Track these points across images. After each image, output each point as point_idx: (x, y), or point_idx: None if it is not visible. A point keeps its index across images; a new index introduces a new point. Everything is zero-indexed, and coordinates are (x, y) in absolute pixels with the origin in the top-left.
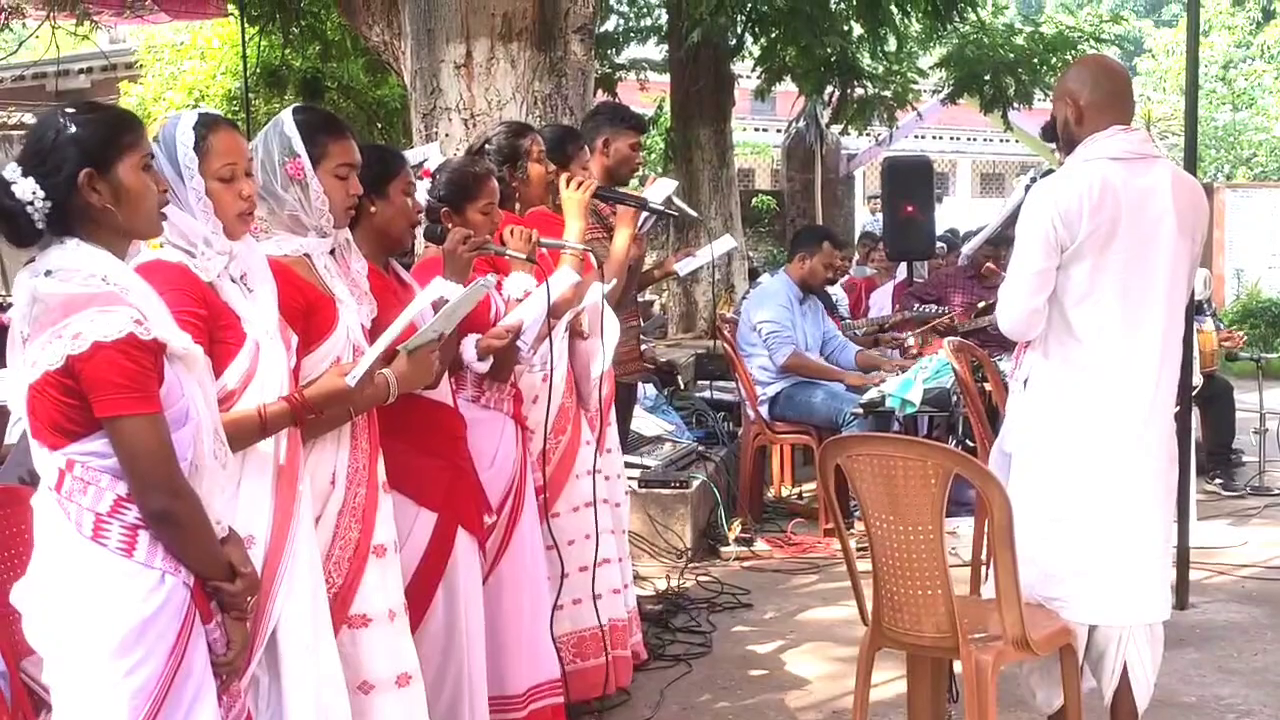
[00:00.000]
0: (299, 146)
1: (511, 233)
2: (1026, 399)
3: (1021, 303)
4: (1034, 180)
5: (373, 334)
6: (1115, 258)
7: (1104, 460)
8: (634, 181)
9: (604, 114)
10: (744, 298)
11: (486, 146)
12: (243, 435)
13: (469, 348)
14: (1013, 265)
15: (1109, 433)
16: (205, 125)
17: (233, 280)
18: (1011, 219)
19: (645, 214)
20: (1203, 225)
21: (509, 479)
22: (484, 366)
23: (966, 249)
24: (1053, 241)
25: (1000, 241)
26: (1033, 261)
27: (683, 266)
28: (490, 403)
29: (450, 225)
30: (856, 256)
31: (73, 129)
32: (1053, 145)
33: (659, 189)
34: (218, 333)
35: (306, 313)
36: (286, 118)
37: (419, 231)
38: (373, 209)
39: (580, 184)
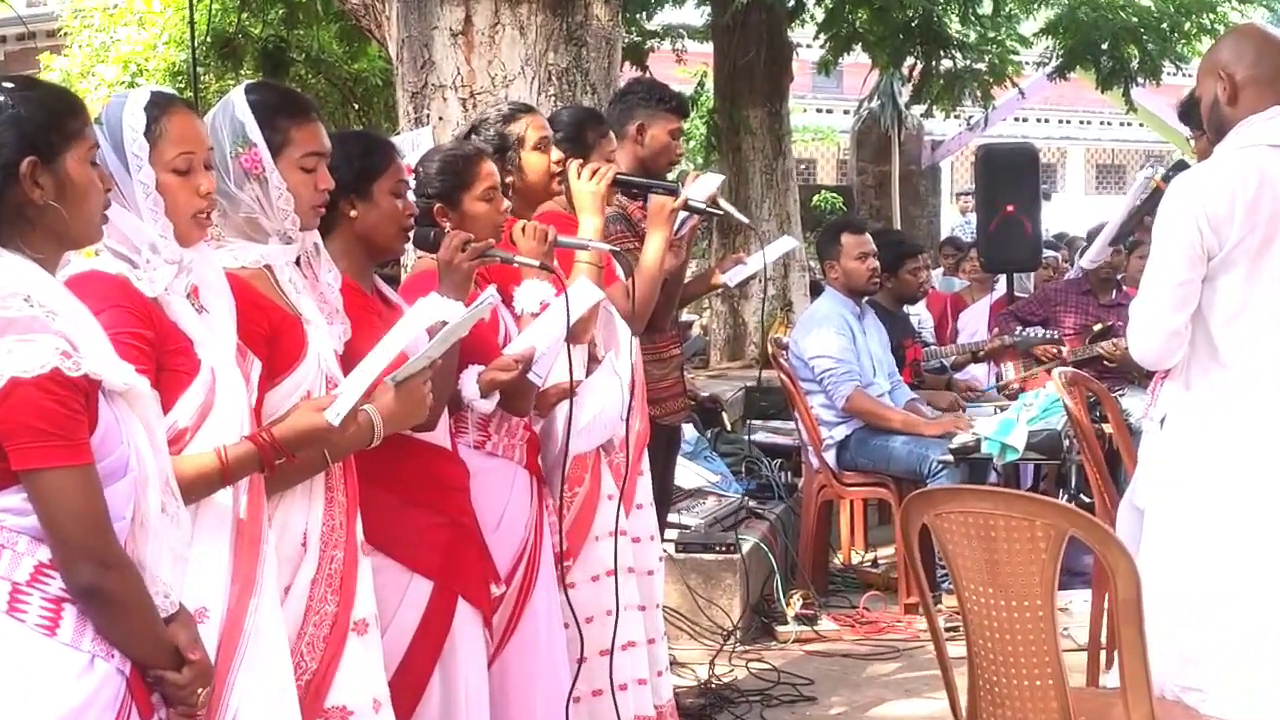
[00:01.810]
0: (255, 133)
1: (523, 231)
2: (1163, 442)
3: (1158, 323)
4: (1165, 176)
5: (345, 362)
6: (1274, 266)
7: (1260, 518)
8: (670, 177)
9: (638, 93)
10: None
11: (473, 135)
12: (199, 484)
13: (469, 382)
14: (1147, 278)
15: (1267, 483)
16: (159, 107)
17: (183, 297)
18: (1135, 216)
19: (684, 213)
20: None
21: (521, 542)
22: (488, 405)
23: (1084, 260)
24: (1198, 248)
25: (1123, 244)
26: (1173, 273)
27: (732, 276)
28: (498, 449)
29: (446, 225)
30: (941, 267)
31: (13, 108)
32: (1188, 132)
33: (702, 186)
34: (166, 359)
35: (270, 337)
36: (238, 98)
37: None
38: (353, 213)
39: (595, 172)
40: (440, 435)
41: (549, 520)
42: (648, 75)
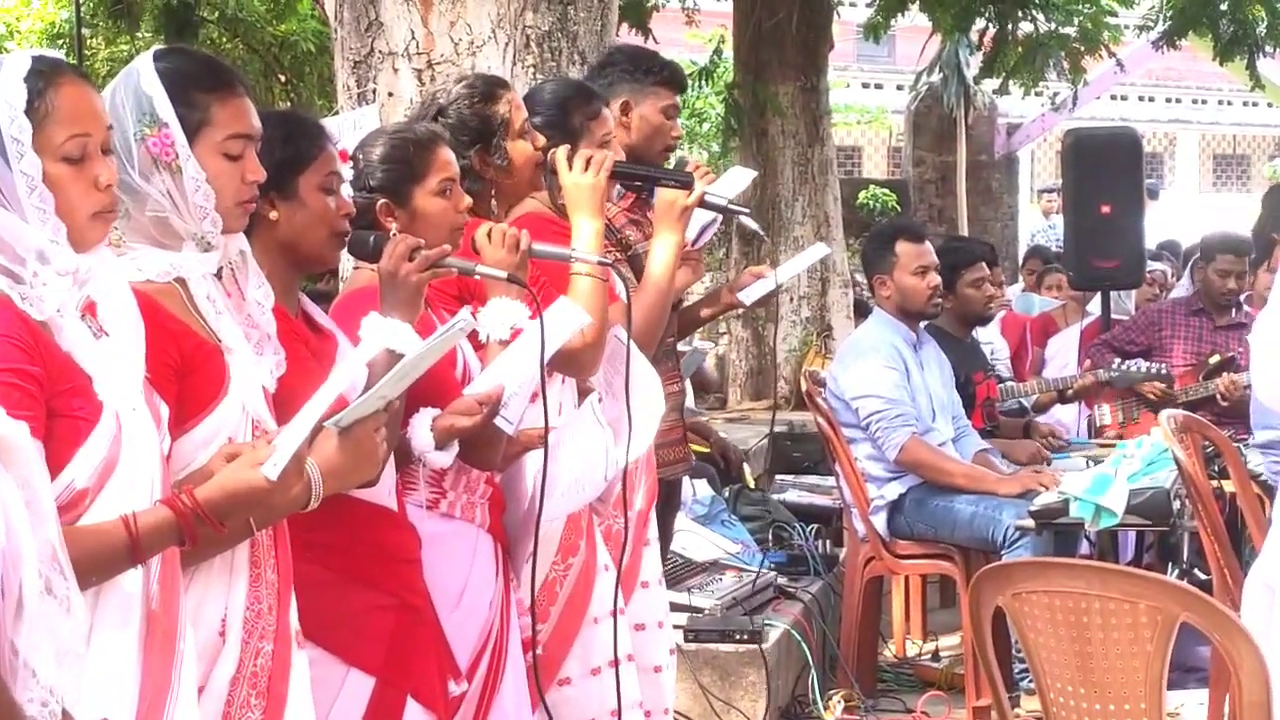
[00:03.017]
0: (165, 110)
1: (489, 237)
2: None
3: None
4: None
5: (279, 404)
6: None
7: None
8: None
9: (619, 65)
10: None
11: (440, 119)
12: (100, 562)
13: (421, 430)
14: (1274, 298)
15: None
16: (43, 77)
17: (77, 317)
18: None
19: (706, 214)
20: None
21: (485, 624)
22: (445, 459)
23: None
24: None
25: (1248, 251)
26: None
27: (749, 294)
28: (455, 510)
29: (392, 227)
30: (1021, 282)
31: None
32: None
33: (728, 182)
34: (59, 402)
35: (181, 370)
36: (144, 67)
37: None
38: (273, 214)
39: (589, 161)
40: (384, 494)
41: (515, 598)
42: (646, 39)
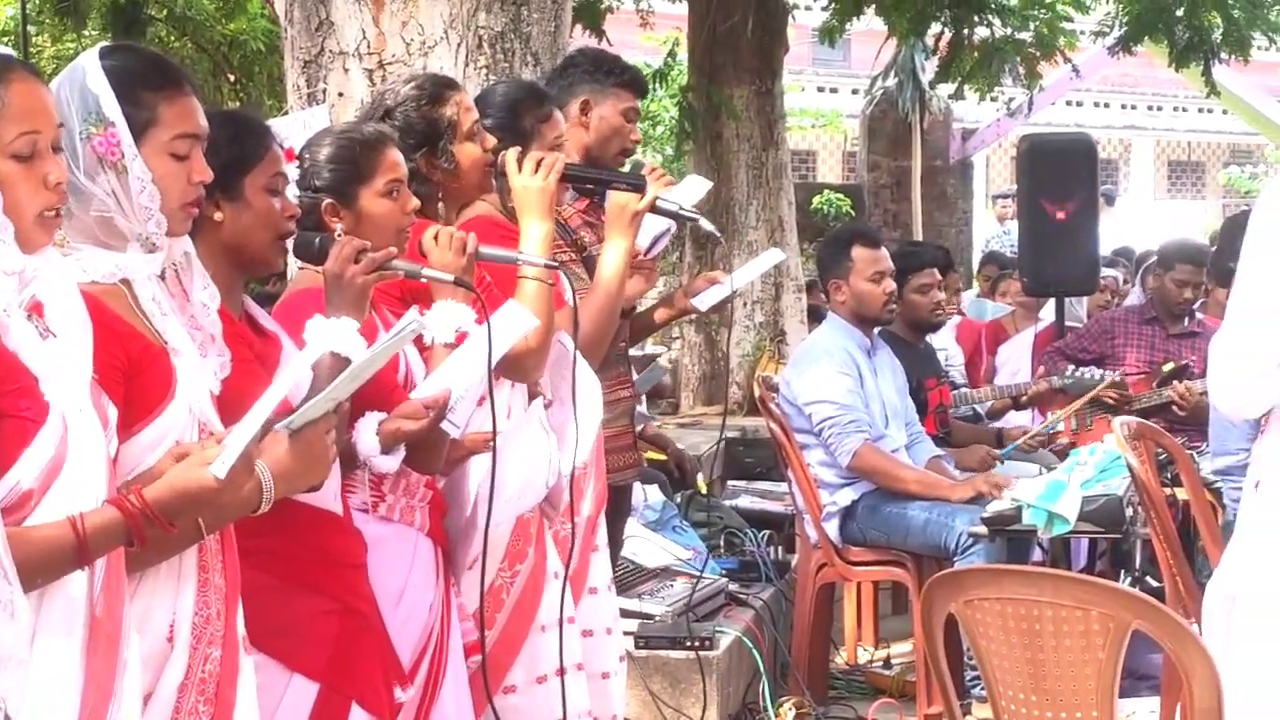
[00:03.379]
0: (112, 109)
1: (436, 239)
2: (1256, 510)
3: (1245, 362)
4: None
5: (223, 406)
6: None
7: None
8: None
9: (582, 65)
10: None
11: (388, 120)
12: (46, 564)
13: (367, 434)
14: (1234, 305)
15: None
16: None
17: (23, 317)
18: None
19: (657, 224)
20: None
21: (425, 629)
22: (391, 463)
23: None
24: None
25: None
26: (1263, 300)
27: (704, 300)
28: (394, 513)
29: (337, 229)
30: (976, 288)
31: None
32: None
33: (686, 190)
34: (4, 401)
35: (129, 373)
36: (90, 64)
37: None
38: (217, 215)
39: (539, 163)
40: (329, 498)
41: (456, 603)
42: (600, 44)
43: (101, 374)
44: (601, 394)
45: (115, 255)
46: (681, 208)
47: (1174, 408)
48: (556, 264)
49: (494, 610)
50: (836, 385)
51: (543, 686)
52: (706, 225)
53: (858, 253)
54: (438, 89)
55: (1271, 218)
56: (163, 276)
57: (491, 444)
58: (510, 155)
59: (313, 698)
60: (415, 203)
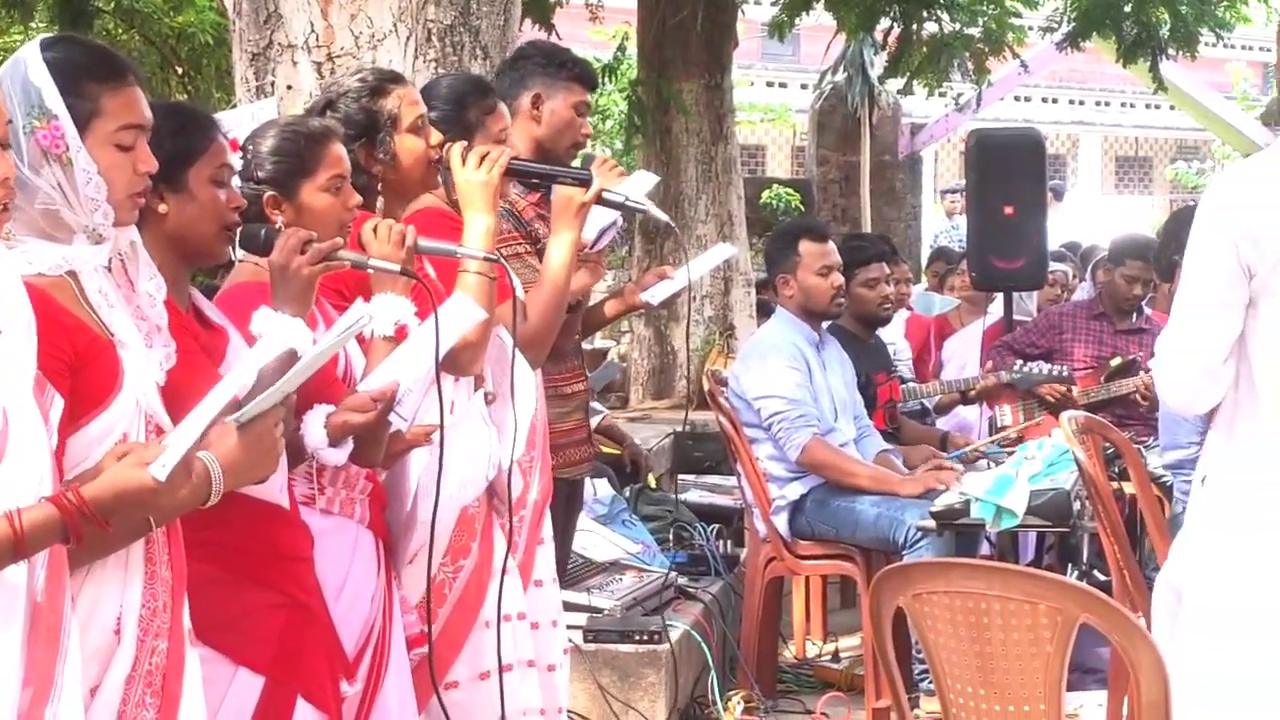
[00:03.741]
0: (55, 101)
1: (375, 232)
2: (1203, 505)
3: (1192, 358)
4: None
5: (167, 398)
6: None
7: None
8: (575, 163)
9: (533, 59)
10: None
11: (329, 112)
12: None
13: (314, 426)
14: (1178, 303)
15: None
16: None
17: None
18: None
19: (603, 216)
20: None
21: (366, 622)
22: (339, 456)
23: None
24: (1235, 264)
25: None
26: (1207, 295)
27: (655, 294)
28: (334, 505)
29: (278, 220)
30: (925, 282)
31: None
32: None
33: (633, 184)
34: None
35: (75, 365)
36: (31, 57)
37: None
38: (162, 207)
39: (484, 158)
40: (275, 491)
41: (399, 595)
42: (550, 35)
43: (48, 367)
44: (541, 387)
45: (61, 247)
46: (628, 199)
47: (1138, 398)
48: (496, 257)
49: (436, 605)
50: (785, 380)
51: (486, 683)
52: (658, 214)
53: (805, 247)
54: (381, 82)
55: (1215, 213)
56: (109, 267)
57: (438, 437)
58: (455, 149)
59: (258, 691)
60: (358, 198)
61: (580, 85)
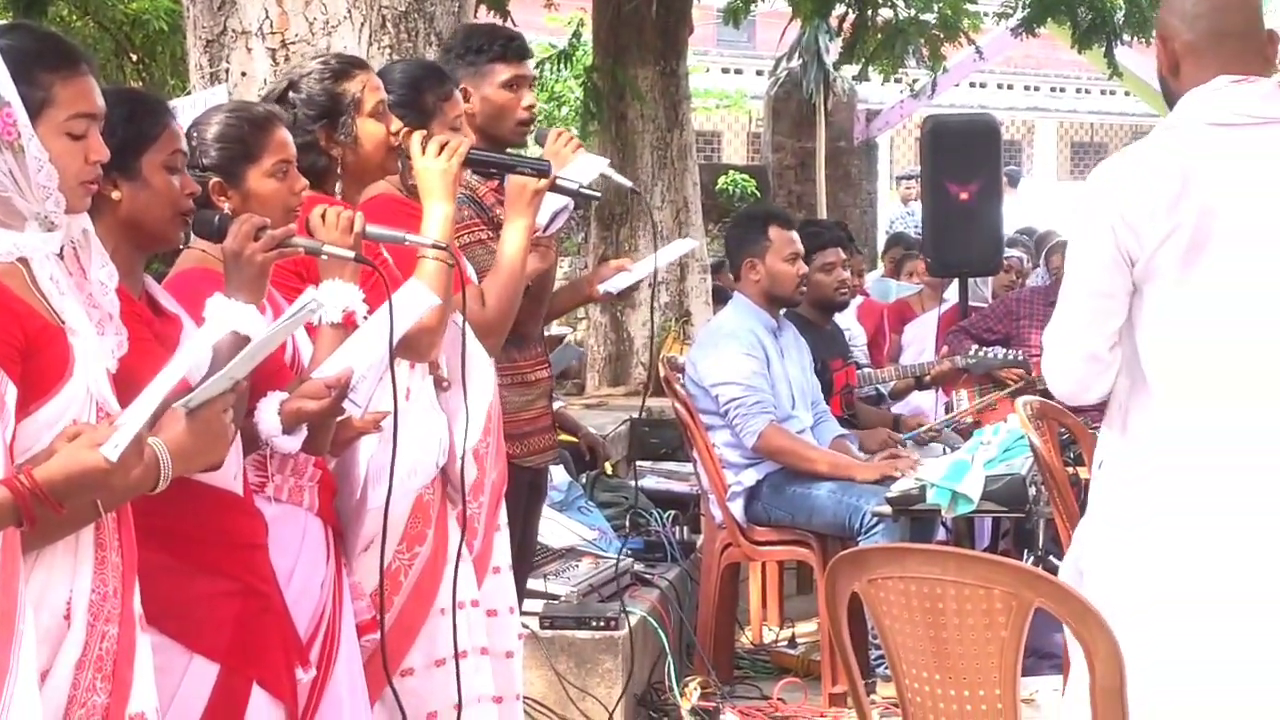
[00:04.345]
0: (7, 89)
1: (323, 218)
2: (1100, 495)
3: (1074, 344)
4: None
5: (116, 384)
6: (1211, 272)
7: (1224, 590)
8: (532, 146)
9: (455, 49)
10: None
11: (290, 93)
12: None
13: (268, 414)
14: (1062, 293)
15: (1232, 547)
16: None
17: None
18: None
19: (555, 201)
20: None
21: (317, 607)
22: (293, 444)
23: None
24: (1115, 252)
25: None
26: (1088, 283)
27: (614, 284)
28: (282, 493)
29: (225, 207)
30: (881, 268)
31: None
32: None
33: (581, 167)
34: None
35: (26, 351)
36: None
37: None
38: (115, 194)
39: (443, 146)
40: (229, 478)
41: (349, 582)
42: (505, 21)
43: None
44: (495, 374)
45: (13, 234)
46: (581, 186)
47: None
48: (444, 245)
49: (391, 593)
50: (742, 367)
51: (441, 669)
52: (621, 180)
53: (775, 233)
54: (345, 66)
55: (1093, 201)
56: (61, 255)
57: (391, 423)
58: (415, 137)
59: (213, 679)
60: (304, 183)
61: (504, 63)
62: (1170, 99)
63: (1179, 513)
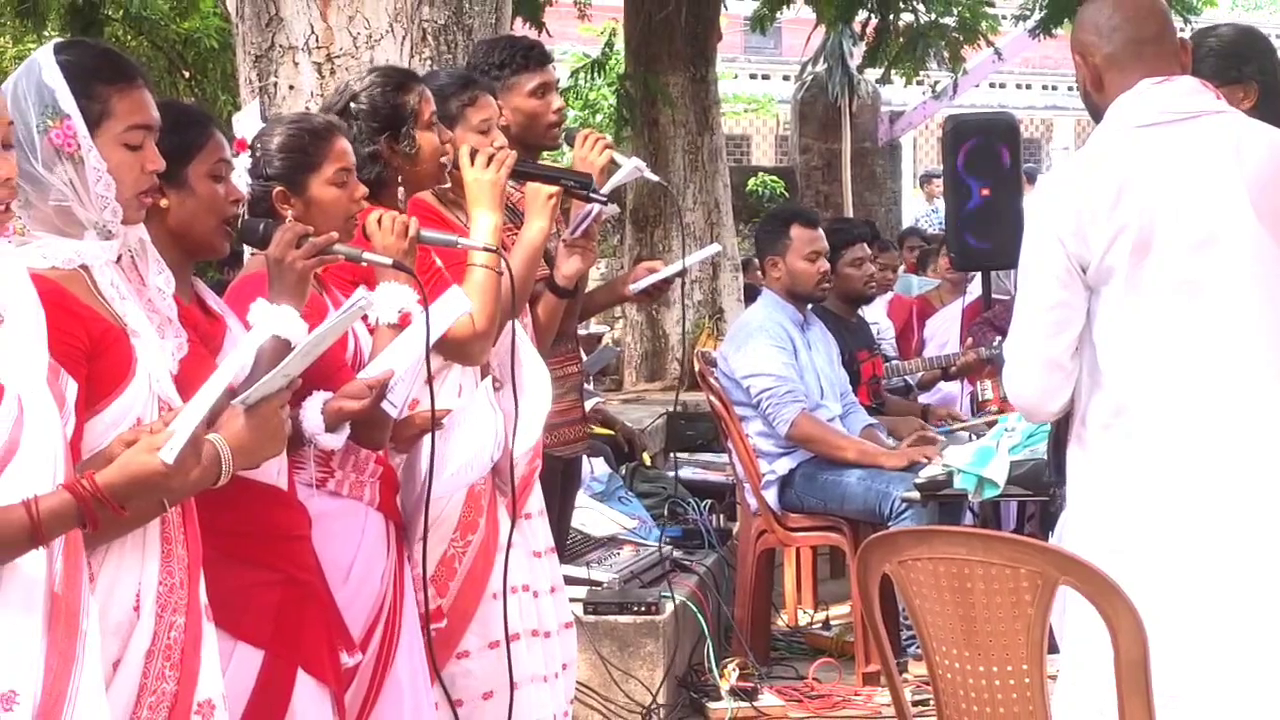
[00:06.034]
0: (67, 102)
1: (379, 224)
2: (1070, 503)
3: (1033, 352)
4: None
5: (178, 386)
6: (1159, 269)
7: (1174, 609)
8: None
9: (479, 65)
10: None
11: (352, 105)
12: (2, 543)
13: (312, 413)
14: (1017, 305)
15: (1202, 554)
16: None
17: None
18: None
19: (587, 204)
20: None
21: (377, 598)
22: (336, 441)
23: None
24: (1065, 261)
25: None
26: (1042, 295)
27: (643, 284)
28: (343, 488)
29: (288, 214)
30: (903, 264)
31: None
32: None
33: (618, 171)
34: None
35: (90, 353)
36: (45, 60)
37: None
38: (163, 202)
39: (491, 158)
40: (273, 474)
41: (411, 573)
42: (540, 35)
43: (63, 355)
44: (550, 383)
45: (74, 242)
46: (595, 193)
47: None
48: (495, 248)
49: (447, 579)
50: (772, 359)
51: (495, 651)
52: (650, 175)
53: (796, 232)
54: (403, 78)
55: (1041, 210)
56: (119, 262)
57: (439, 423)
58: (464, 149)
59: (258, 665)
60: (364, 190)
61: (526, 73)
62: (1097, 112)
63: (1139, 519)
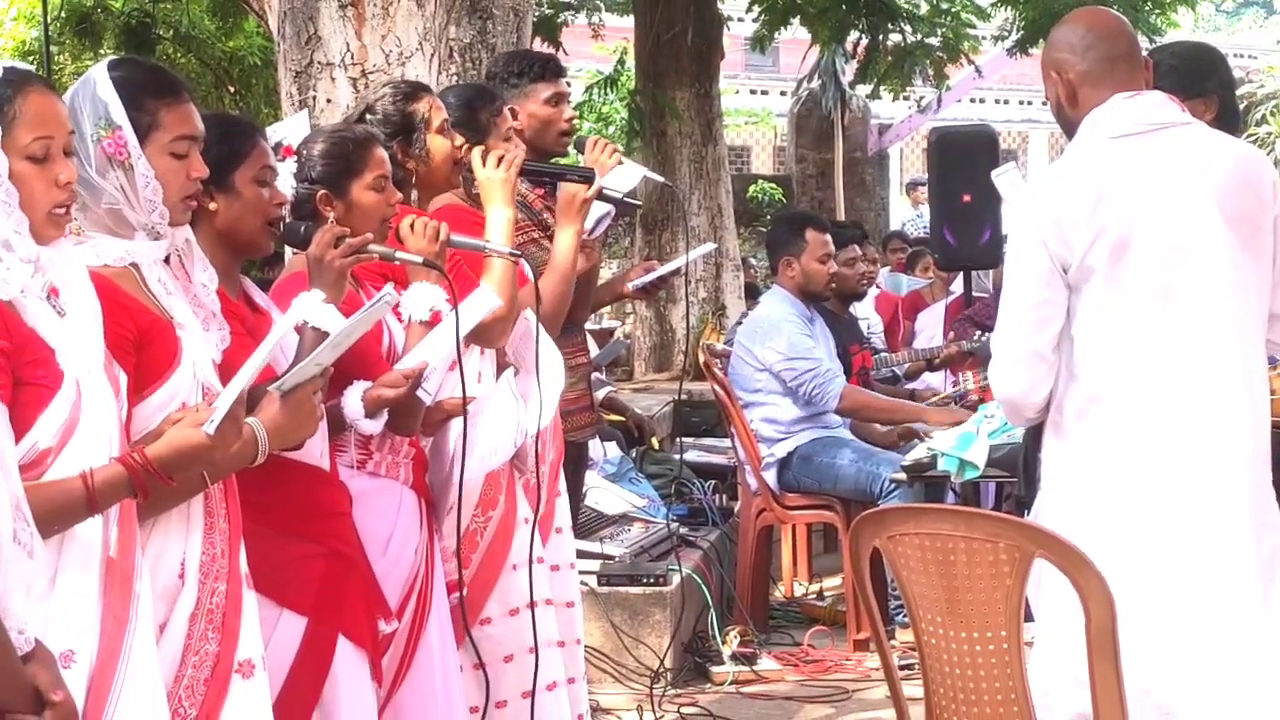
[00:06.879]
0: (119, 114)
1: (412, 227)
2: (1045, 496)
3: (1019, 347)
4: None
5: (223, 373)
6: (1135, 273)
7: (1150, 597)
8: (572, 155)
9: (499, 75)
10: (738, 324)
11: (369, 115)
12: (61, 513)
13: (352, 400)
14: (1002, 305)
15: (1166, 538)
16: (12, 85)
17: (41, 299)
18: None
19: (600, 208)
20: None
21: (411, 570)
22: (374, 426)
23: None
24: (1048, 263)
25: None
26: (1027, 295)
27: (640, 281)
28: (380, 468)
29: (330, 216)
30: (889, 264)
31: None
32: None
33: (622, 175)
34: (24, 371)
35: (139, 344)
36: (100, 75)
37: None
38: (212, 205)
39: (501, 159)
40: (316, 455)
41: (440, 546)
42: (557, 53)
43: (114, 345)
44: (563, 365)
45: (125, 242)
46: (624, 195)
47: None
48: (519, 255)
49: (469, 551)
50: (804, 344)
51: (515, 618)
52: (657, 178)
53: (811, 235)
54: (413, 89)
55: (1026, 215)
56: (167, 261)
57: (464, 408)
58: (476, 152)
59: (301, 631)
60: (399, 195)
61: (544, 82)
62: (1069, 125)
63: (1118, 516)
